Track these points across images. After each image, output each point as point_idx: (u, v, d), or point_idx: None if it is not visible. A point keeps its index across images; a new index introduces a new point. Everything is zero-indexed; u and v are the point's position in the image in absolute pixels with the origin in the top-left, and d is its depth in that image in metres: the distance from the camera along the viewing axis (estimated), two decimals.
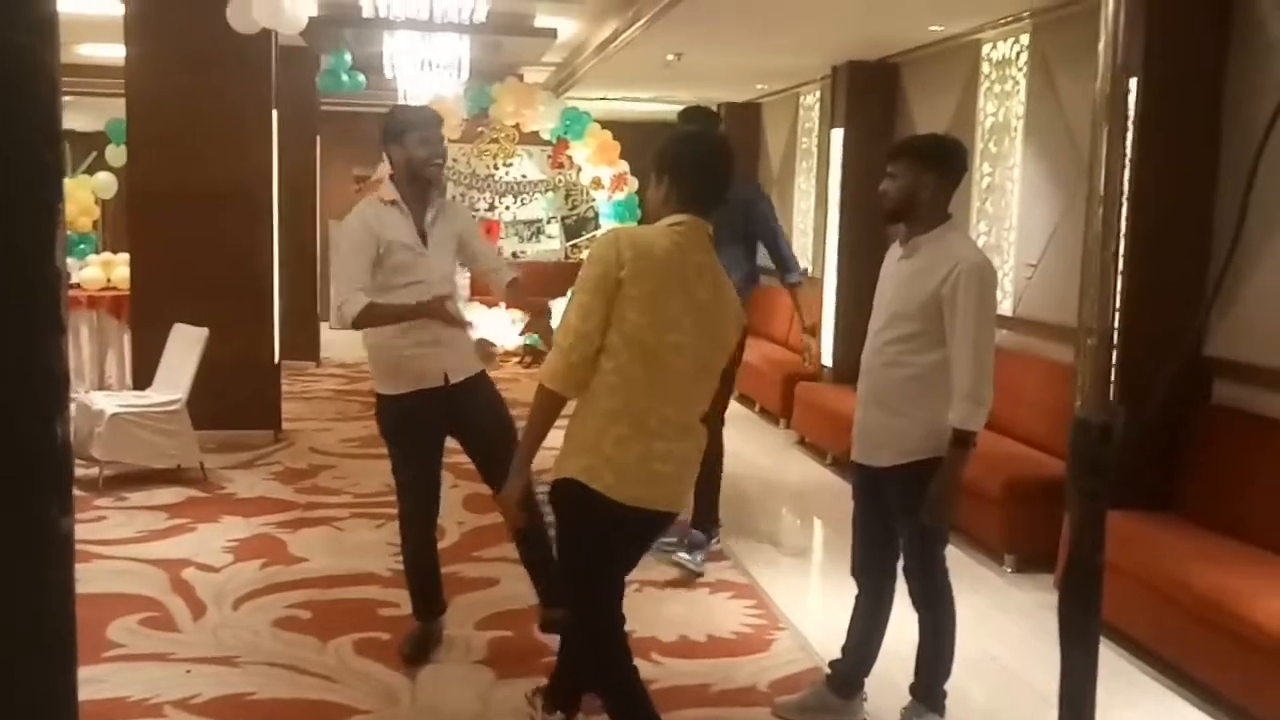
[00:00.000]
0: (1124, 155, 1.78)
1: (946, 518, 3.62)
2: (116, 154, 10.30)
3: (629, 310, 2.93)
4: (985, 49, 7.29)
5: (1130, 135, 4.88)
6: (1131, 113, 4.87)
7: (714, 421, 4.70)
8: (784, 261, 5.71)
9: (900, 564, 3.80)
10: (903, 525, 3.71)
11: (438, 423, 4.14)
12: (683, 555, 5.33)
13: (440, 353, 4.08)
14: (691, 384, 3.10)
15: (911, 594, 3.80)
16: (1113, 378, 5.29)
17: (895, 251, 3.76)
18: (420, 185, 4.12)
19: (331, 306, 4.11)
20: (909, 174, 3.63)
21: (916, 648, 3.77)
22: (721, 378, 3.30)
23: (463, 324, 4.18)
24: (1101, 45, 1.54)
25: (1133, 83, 4.84)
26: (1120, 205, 1.58)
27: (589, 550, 3.11)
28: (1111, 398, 5.25)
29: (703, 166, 3.12)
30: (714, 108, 12.93)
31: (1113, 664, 4.34)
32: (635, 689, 3.18)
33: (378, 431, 4.26)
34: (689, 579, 5.23)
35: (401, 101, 11.42)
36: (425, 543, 4.32)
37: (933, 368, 3.54)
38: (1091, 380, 1.69)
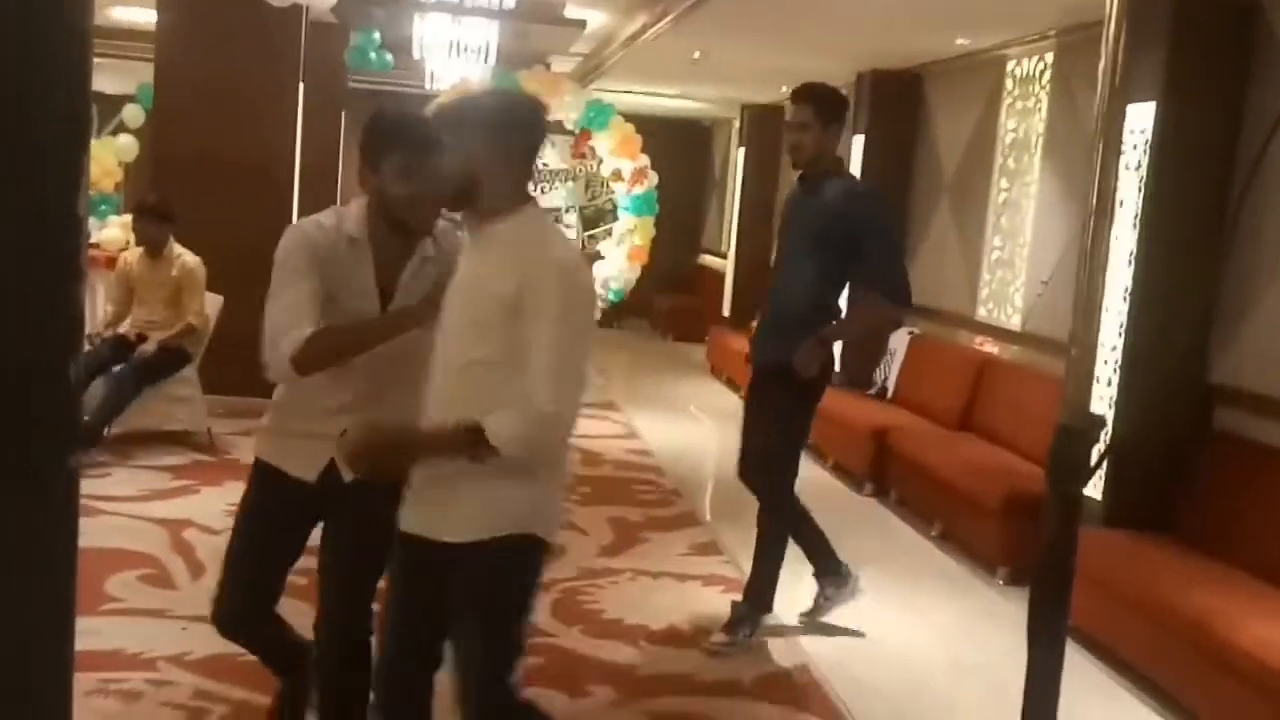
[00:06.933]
0: (1118, 174, 1.82)
1: None
2: (134, 115, 10.35)
3: None
4: (1009, 65, 7.31)
5: (1148, 158, 4.92)
6: (1151, 136, 4.90)
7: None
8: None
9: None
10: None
11: None
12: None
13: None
14: None
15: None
16: (1115, 393, 5.27)
17: None
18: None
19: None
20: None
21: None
22: None
23: None
24: (1101, 67, 1.58)
25: (1151, 107, 4.87)
26: (1111, 221, 1.62)
27: None
28: (1112, 408, 5.21)
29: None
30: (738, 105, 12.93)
31: (1103, 684, 4.37)
32: None
33: None
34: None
35: (428, 86, 11.27)
36: None
37: None
38: (1075, 389, 1.74)
